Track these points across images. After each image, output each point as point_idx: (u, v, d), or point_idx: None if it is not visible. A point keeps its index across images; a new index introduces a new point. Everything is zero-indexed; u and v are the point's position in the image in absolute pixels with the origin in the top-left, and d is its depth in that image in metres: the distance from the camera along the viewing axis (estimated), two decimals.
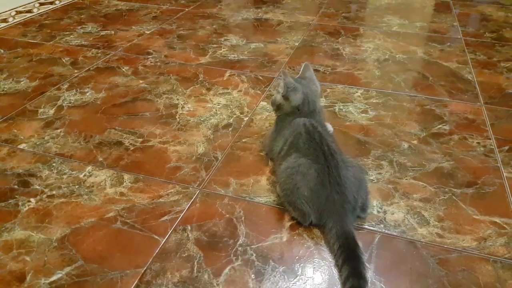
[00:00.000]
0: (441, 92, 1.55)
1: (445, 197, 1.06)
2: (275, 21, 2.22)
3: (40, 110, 1.38)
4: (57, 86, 1.52)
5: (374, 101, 1.48)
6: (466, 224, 0.98)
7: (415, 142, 1.26)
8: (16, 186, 1.06)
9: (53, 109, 1.38)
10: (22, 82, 1.54)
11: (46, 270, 0.85)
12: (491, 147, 1.25)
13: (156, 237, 0.93)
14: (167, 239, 0.92)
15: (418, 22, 2.22)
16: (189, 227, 0.95)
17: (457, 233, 0.96)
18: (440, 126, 1.34)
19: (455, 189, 1.08)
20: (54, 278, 0.84)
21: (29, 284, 0.83)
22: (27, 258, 0.88)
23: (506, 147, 1.24)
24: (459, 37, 2.04)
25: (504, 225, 0.98)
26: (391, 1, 2.57)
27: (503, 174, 1.14)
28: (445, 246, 0.92)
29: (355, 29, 2.12)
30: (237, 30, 2.07)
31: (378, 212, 1.01)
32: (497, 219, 1.00)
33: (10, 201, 1.02)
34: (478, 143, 1.27)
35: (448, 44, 1.96)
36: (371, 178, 1.11)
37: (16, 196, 1.03)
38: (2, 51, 1.79)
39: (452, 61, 1.79)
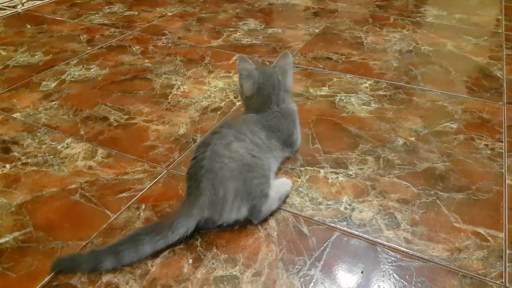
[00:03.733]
0: (461, 88, 1.40)
1: (428, 200, 0.95)
2: (302, 6, 2.14)
3: (43, 83, 1.42)
4: (66, 61, 1.57)
5: (381, 93, 1.37)
6: (442, 231, 0.88)
7: (412, 139, 1.15)
8: None
9: (56, 82, 1.43)
10: (36, 56, 1.61)
11: None
12: (500, 150, 1.11)
13: (108, 212, 0.92)
14: (117, 216, 0.91)
15: (457, 14, 2.03)
16: (143, 206, 0.93)
17: (428, 240, 0.86)
18: (447, 124, 1.22)
19: (442, 192, 0.97)
20: (1, 240, 0.86)
21: None
22: None
23: None
24: (500, 31, 1.84)
25: (488, 237, 0.86)
26: None
27: (505, 181, 1.01)
28: (410, 253, 0.83)
29: (385, 18, 1.99)
30: (259, 15, 2.02)
31: (346, 208, 0.93)
32: (481, 230, 0.88)
33: None
34: (486, 145, 1.13)
35: (485, 38, 1.77)
36: (350, 173, 1.03)
37: None
38: (29, 26, 1.88)
39: (484, 56, 1.62)
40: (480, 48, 1.68)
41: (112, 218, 0.90)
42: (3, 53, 1.63)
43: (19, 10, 2.06)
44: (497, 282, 0.78)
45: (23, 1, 2.16)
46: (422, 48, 1.69)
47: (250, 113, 1.03)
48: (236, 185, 0.84)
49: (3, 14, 2.01)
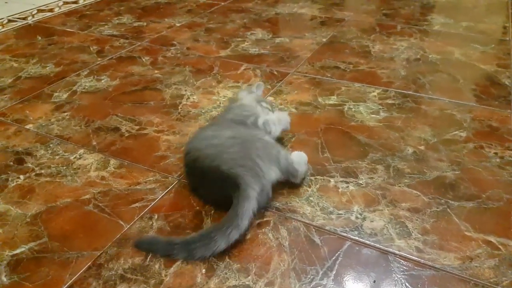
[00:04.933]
0: (469, 96, 1.41)
1: (438, 209, 0.95)
2: (309, 16, 2.15)
3: (55, 94, 1.45)
4: (77, 73, 1.59)
5: (389, 102, 1.38)
6: (453, 240, 0.88)
7: (422, 147, 1.16)
8: (11, 163, 1.12)
9: (67, 93, 1.45)
10: (47, 68, 1.63)
11: (13, 243, 0.89)
12: (510, 158, 1.11)
13: (121, 222, 0.93)
14: (131, 225, 0.92)
15: (464, 22, 2.04)
16: (156, 216, 0.95)
17: (439, 249, 0.86)
18: (456, 132, 1.22)
19: (453, 201, 0.98)
20: (17, 251, 0.87)
21: None
22: (0, 230, 0.92)
23: None
24: (507, 38, 1.85)
25: (499, 246, 0.86)
26: None
27: None
28: (421, 262, 0.83)
29: (392, 26, 2.00)
30: (266, 25, 2.04)
31: (357, 218, 0.93)
32: (492, 239, 0.88)
33: (2, 176, 1.08)
34: (496, 153, 1.13)
35: (492, 45, 1.78)
36: (360, 182, 1.03)
37: (9, 172, 1.09)
38: (40, 38, 1.91)
39: (492, 64, 1.62)
40: (487, 56, 1.69)
41: (126, 228, 0.91)
42: (15, 64, 1.66)
43: (30, 22, 2.10)
44: None
45: (33, 13, 2.19)
46: (430, 56, 1.69)
47: None
48: (255, 151, 0.93)
49: (14, 26, 2.04)
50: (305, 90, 1.46)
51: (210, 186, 0.93)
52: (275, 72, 1.58)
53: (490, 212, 0.95)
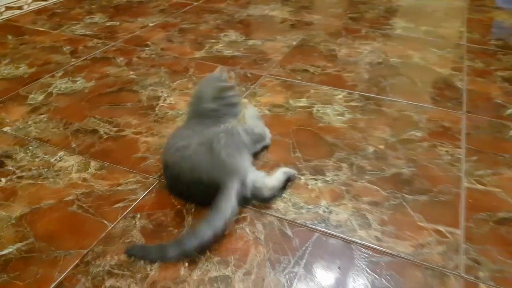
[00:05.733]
0: (425, 98, 1.53)
1: (395, 202, 1.06)
2: (279, 18, 2.23)
3: (31, 96, 1.47)
4: (51, 74, 1.61)
5: (353, 104, 1.48)
6: (408, 230, 0.99)
7: (381, 147, 1.27)
8: None
9: (43, 95, 1.47)
10: (21, 68, 1.64)
11: (0, 244, 0.93)
12: (459, 156, 1.23)
13: (106, 222, 0.99)
14: (115, 224, 0.98)
15: (424, 26, 2.18)
16: (138, 215, 1.01)
17: (396, 238, 0.97)
18: (412, 132, 1.34)
19: (408, 195, 1.09)
20: (5, 252, 0.91)
21: None
22: None
23: (475, 157, 1.23)
24: (463, 43, 2.00)
25: (447, 234, 0.98)
26: (403, 3, 2.53)
27: (462, 184, 1.13)
28: (380, 249, 0.94)
29: (357, 30, 2.11)
30: (239, 26, 2.11)
31: (324, 211, 1.03)
32: (441, 228, 1.00)
33: None
34: (447, 151, 1.25)
35: (448, 49, 1.92)
36: (327, 179, 1.13)
37: None
38: (10, 37, 1.90)
39: (447, 68, 1.75)
40: (444, 59, 1.82)
41: (110, 227, 0.97)
42: None
43: None
44: (454, 272, 0.89)
45: (1, 11, 2.17)
46: (391, 60, 1.81)
47: None
48: (224, 152, 1.01)
49: None
50: (277, 92, 1.54)
51: (196, 194, 1.01)
52: (249, 75, 1.66)
53: (440, 204, 1.06)
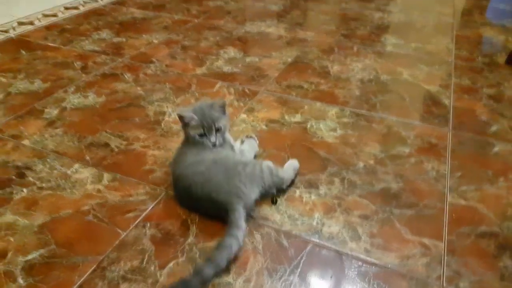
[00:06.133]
0: (414, 115, 1.64)
1: (383, 216, 1.17)
2: (275, 35, 2.35)
3: (46, 110, 1.57)
4: (64, 89, 1.72)
5: (345, 120, 1.59)
6: (395, 242, 1.09)
7: (371, 162, 1.37)
8: (13, 177, 1.25)
9: (57, 110, 1.58)
10: (35, 83, 1.75)
11: (24, 250, 1.03)
12: (444, 172, 1.34)
13: (119, 230, 1.09)
14: (127, 233, 1.08)
15: (413, 43, 2.29)
16: (148, 224, 1.11)
17: (383, 250, 1.07)
18: (400, 148, 1.44)
19: (395, 209, 1.19)
20: (29, 257, 1.01)
21: (9, 260, 1.01)
22: (11, 239, 1.06)
23: (459, 173, 1.34)
24: (450, 60, 2.11)
25: (431, 246, 1.08)
26: (393, 19, 2.65)
27: (446, 199, 1.23)
28: (369, 260, 1.04)
29: (349, 47, 2.23)
30: (237, 43, 2.22)
31: (317, 223, 1.13)
32: (426, 240, 1.10)
33: (6, 189, 1.21)
34: (433, 167, 1.36)
35: (436, 66, 2.03)
36: (321, 192, 1.23)
37: (12, 185, 1.22)
38: (24, 52, 2.01)
39: (435, 85, 1.87)
40: (432, 76, 1.94)
41: (123, 235, 1.07)
42: (3, 79, 1.76)
43: (12, 35, 2.18)
44: (437, 282, 1.00)
45: (13, 26, 2.27)
46: (382, 77, 1.92)
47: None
48: (237, 177, 1.11)
49: None
50: (273, 108, 1.65)
51: (203, 206, 1.12)
52: (247, 90, 1.76)
53: (425, 218, 1.17)
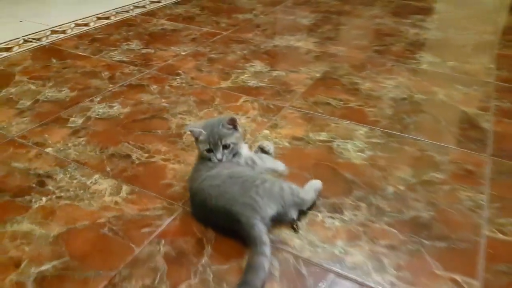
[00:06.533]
0: (449, 138, 1.55)
1: (412, 247, 1.09)
2: (304, 50, 2.30)
3: (71, 119, 1.58)
4: (91, 98, 1.72)
5: (374, 140, 1.52)
6: (423, 277, 1.01)
7: (401, 187, 1.29)
8: (34, 185, 1.25)
9: (82, 119, 1.58)
10: (63, 92, 1.76)
11: (38, 260, 1.01)
12: (481, 202, 1.24)
13: (133, 245, 1.06)
14: (141, 249, 1.05)
15: (451, 62, 2.20)
16: (162, 241, 1.07)
17: (411, 285, 0.99)
18: (433, 174, 1.36)
19: (426, 240, 1.11)
20: (42, 268, 0.99)
21: (22, 270, 0.99)
22: (26, 248, 1.04)
23: (497, 204, 1.24)
24: (490, 81, 2.00)
25: (464, 284, 0.99)
26: (430, 36, 2.56)
27: (482, 232, 1.14)
28: None
29: (381, 63, 2.15)
30: (264, 57, 2.19)
31: (340, 252, 1.06)
32: (458, 277, 1.01)
33: (26, 197, 1.20)
34: (469, 196, 1.27)
35: (475, 87, 1.93)
36: (345, 218, 1.17)
37: (32, 194, 1.21)
38: (54, 61, 2.04)
39: (473, 107, 1.77)
40: (470, 97, 1.84)
41: (137, 252, 1.04)
42: (33, 87, 1.79)
43: (44, 43, 2.23)
44: None
45: (47, 34, 2.33)
46: (415, 96, 1.84)
47: None
48: (254, 189, 1.07)
49: (30, 47, 2.18)
50: (298, 125, 1.60)
51: (218, 220, 1.08)
52: (271, 106, 1.72)
53: (458, 252, 1.08)
